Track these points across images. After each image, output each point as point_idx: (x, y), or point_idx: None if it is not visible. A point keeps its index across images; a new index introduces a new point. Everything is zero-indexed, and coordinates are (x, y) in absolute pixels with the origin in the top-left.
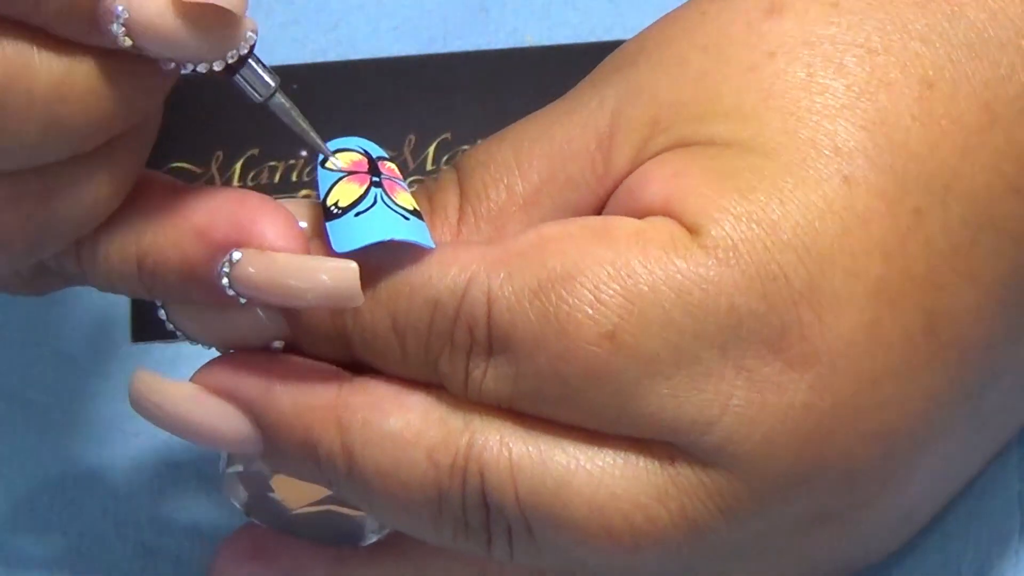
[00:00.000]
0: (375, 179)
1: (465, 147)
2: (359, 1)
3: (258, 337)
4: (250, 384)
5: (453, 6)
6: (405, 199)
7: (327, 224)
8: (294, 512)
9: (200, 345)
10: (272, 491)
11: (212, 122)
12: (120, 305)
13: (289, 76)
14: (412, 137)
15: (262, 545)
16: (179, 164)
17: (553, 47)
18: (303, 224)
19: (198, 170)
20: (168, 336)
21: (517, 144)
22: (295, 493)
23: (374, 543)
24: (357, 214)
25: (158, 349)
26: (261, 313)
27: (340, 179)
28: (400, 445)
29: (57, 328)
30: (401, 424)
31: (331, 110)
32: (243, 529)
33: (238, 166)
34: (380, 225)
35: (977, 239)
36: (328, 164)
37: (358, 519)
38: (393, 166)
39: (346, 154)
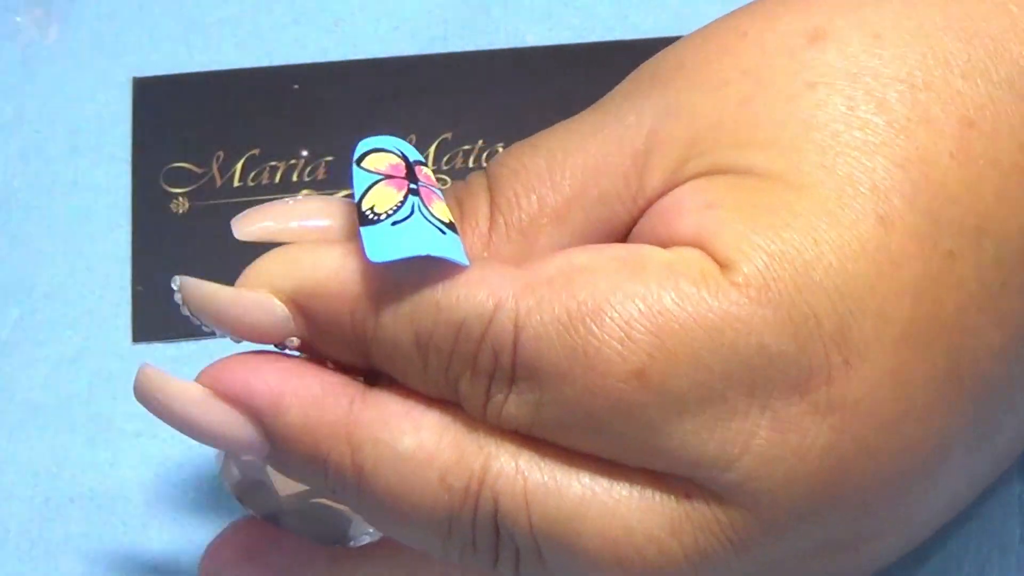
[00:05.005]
0: (413, 186)
1: (466, 147)
2: (360, 1)
3: (271, 329)
4: (259, 395)
5: (454, 6)
6: (441, 210)
7: (361, 229)
8: (285, 497)
9: (216, 335)
10: (266, 476)
11: (213, 122)
12: (121, 305)
13: (290, 76)
14: (413, 137)
15: (253, 545)
16: (179, 164)
17: (553, 47)
18: (327, 222)
19: (199, 170)
20: (169, 336)
21: (551, 154)
22: (290, 480)
23: (367, 544)
24: (394, 223)
25: (159, 349)
26: (276, 308)
27: (377, 182)
28: (412, 466)
29: (57, 328)
30: (414, 445)
31: (332, 110)
32: (233, 528)
33: (238, 166)
34: (418, 239)
35: (1008, 282)
36: (364, 164)
37: (349, 514)
38: (429, 172)
39: (383, 155)
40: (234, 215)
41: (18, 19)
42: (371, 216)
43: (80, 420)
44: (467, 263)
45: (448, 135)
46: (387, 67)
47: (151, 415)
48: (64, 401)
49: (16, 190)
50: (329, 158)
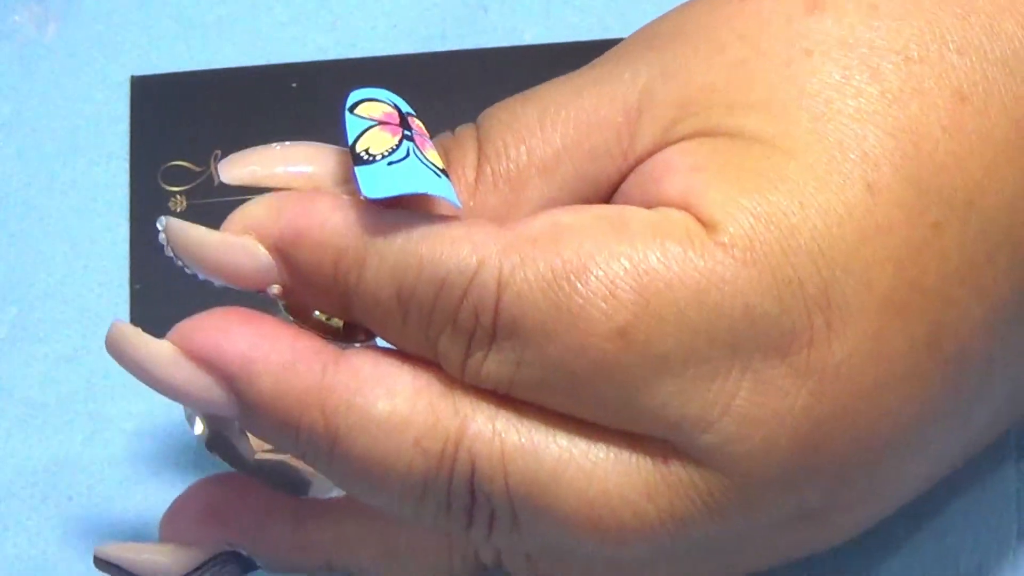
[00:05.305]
0: (407, 132)
1: None
2: (359, 0)
3: (254, 275)
4: (229, 360)
5: (452, 5)
6: (434, 156)
7: (356, 169)
8: (252, 450)
9: (199, 278)
10: (233, 429)
11: (211, 120)
12: (120, 303)
13: (289, 74)
14: None
15: (216, 505)
16: (178, 162)
17: (553, 46)
18: (313, 168)
19: (196, 168)
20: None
21: (543, 107)
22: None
23: (336, 498)
24: (390, 163)
25: None
26: (260, 254)
27: (371, 127)
28: (386, 431)
29: (56, 326)
30: (388, 409)
31: (331, 109)
32: (196, 488)
33: None
34: (413, 177)
35: (993, 256)
36: (357, 112)
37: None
38: (421, 124)
39: (376, 104)
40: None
41: (16, 18)
42: (366, 157)
43: (79, 418)
44: (460, 205)
45: (447, 134)
46: (385, 65)
47: (150, 414)
48: (63, 399)
49: (14, 189)
50: None
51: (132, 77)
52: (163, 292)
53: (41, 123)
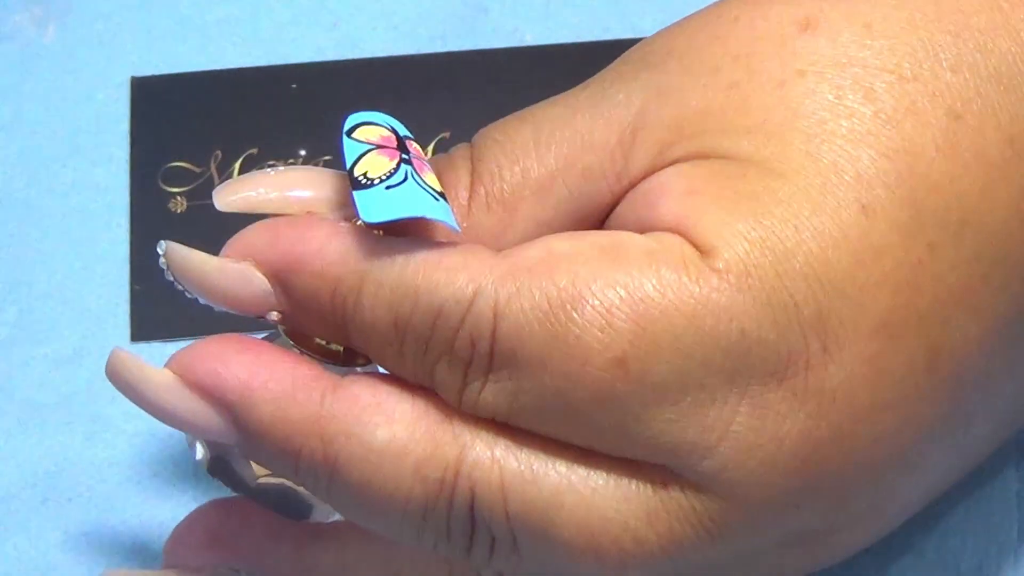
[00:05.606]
0: (404, 156)
1: None
2: (359, 1)
3: (252, 301)
4: (228, 388)
5: (453, 6)
6: (432, 180)
7: (355, 193)
8: (253, 474)
9: (200, 302)
10: (233, 454)
11: (211, 121)
12: (120, 304)
13: (288, 75)
14: None
15: (219, 530)
16: (178, 163)
17: (553, 47)
18: (309, 193)
19: (197, 169)
20: (168, 335)
21: (538, 127)
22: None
23: (337, 523)
24: (388, 187)
25: (158, 348)
26: (258, 281)
27: (369, 151)
28: (386, 459)
29: (56, 327)
30: (387, 437)
31: (330, 110)
32: (198, 513)
33: (237, 165)
34: (411, 201)
35: (988, 275)
36: (355, 136)
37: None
38: (418, 147)
39: (374, 128)
40: (232, 215)
41: (16, 18)
42: (364, 181)
43: (79, 419)
44: (459, 228)
45: (447, 134)
46: (386, 67)
47: (150, 416)
48: (62, 400)
49: (15, 189)
50: (327, 157)
51: (132, 78)
52: (163, 293)
53: (41, 124)
